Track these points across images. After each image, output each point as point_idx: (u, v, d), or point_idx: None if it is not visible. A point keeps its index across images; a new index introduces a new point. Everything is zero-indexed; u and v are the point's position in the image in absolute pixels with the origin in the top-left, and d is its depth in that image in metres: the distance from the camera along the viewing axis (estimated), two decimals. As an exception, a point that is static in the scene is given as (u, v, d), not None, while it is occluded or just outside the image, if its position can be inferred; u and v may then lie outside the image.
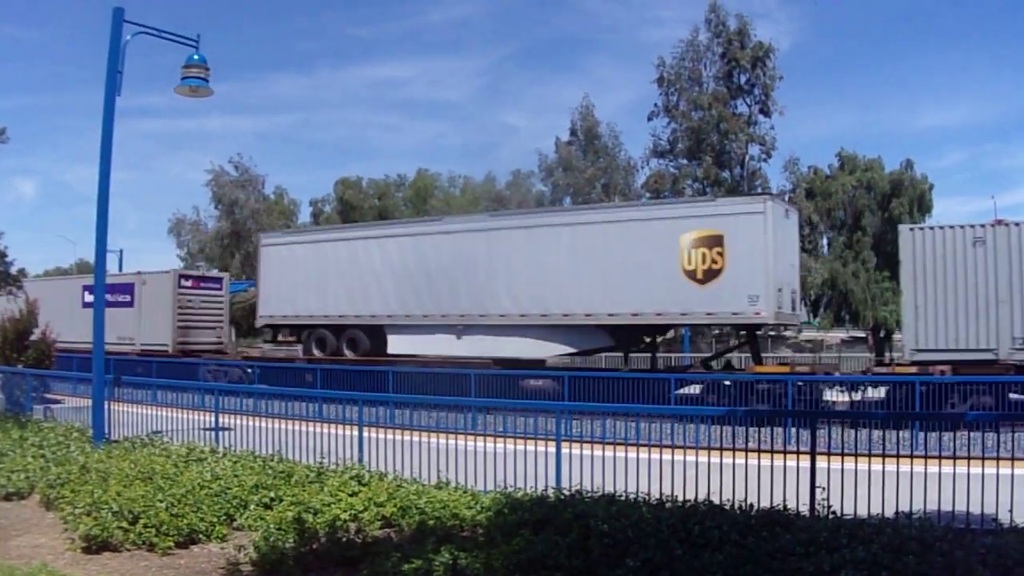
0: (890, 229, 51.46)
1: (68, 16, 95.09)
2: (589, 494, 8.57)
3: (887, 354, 39.45)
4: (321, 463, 10.49)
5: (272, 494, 9.19)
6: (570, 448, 10.28)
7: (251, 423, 12.62)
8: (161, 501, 8.56)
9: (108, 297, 26.62)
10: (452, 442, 10.53)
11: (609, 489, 8.77)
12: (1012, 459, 8.55)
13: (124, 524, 8.13)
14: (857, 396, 19.19)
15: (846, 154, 51.48)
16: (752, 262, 20.06)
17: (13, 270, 28.02)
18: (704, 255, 20.61)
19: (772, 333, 37.87)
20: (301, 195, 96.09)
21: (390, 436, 11.12)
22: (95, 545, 7.92)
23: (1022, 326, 18.62)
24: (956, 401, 17.06)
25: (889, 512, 7.60)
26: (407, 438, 10.93)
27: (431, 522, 8.26)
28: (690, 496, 8.15)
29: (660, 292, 21.06)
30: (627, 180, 48.65)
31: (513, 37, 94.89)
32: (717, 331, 40.73)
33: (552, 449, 10.00)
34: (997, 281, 18.84)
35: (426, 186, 63.16)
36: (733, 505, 7.87)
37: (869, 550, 6.28)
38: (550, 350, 23.26)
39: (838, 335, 57.79)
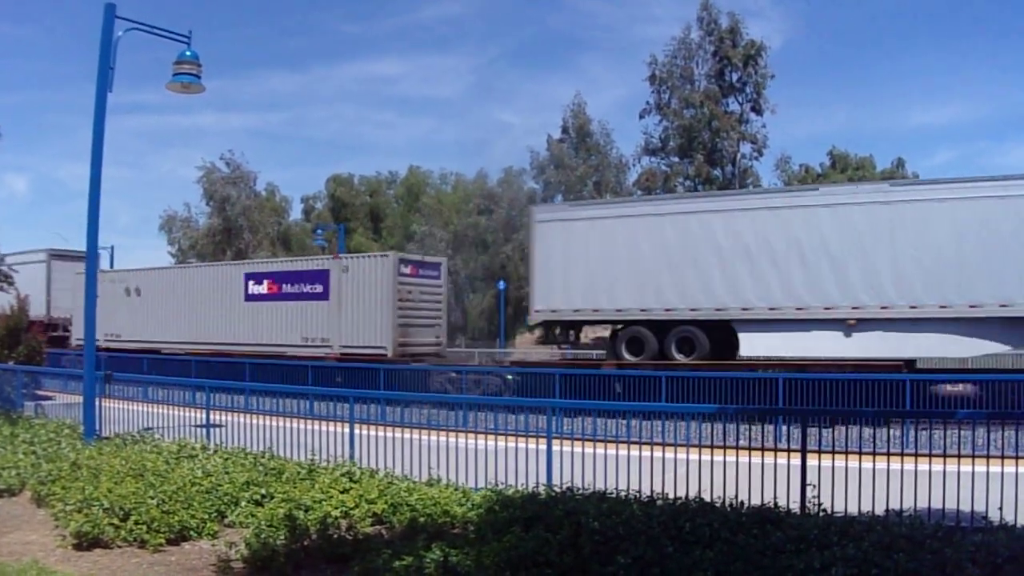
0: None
1: (60, 13, 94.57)
2: (580, 491, 8.58)
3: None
4: (312, 460, 10.48)
5: (263, 491, 9.18)
6: (561, 445, 10.30)
7: (242, 420, 12.61)
8: (152, 498, 8.54)
9: (289, 288, 26.11)
10: (443, 439, 10.54)
11: (600, 486, 8.79)
12: (1002, 457, 8.57)
13: (115, 521, 8.11)
14: None
15: (837, 152, 51.78)
16: None
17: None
18: None
19: None
20: (293, 192, 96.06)
21: (381, 433, 11.11)
22: (86, 542, 7.89)
23: None
24: None
25: (880, 510, 7.63)
26: (399, 435, 10.92)
27: (422, 519, 8.26)
28: (681, 493, 8.16)
29: None
30: (619, 178, 48.81)
31: (505, 34, 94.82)
32: None
33: (543, 447, 10.01)
34: None
35: (418, 183, 63.26)
36: (724, 502, 7.89)
37: (859, 548, 6.29)
38: (977, 348, 19.06)
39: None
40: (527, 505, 8.02)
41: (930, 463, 7.96)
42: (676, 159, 45.02)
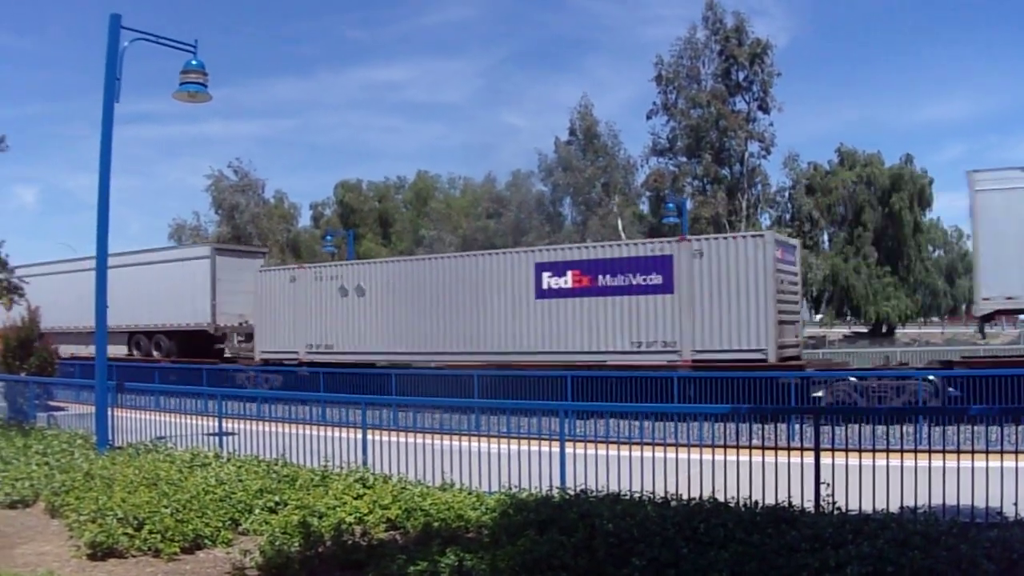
0: (890, 224, 51.75)
1: (66, 23, 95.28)
2: (594, 494, 8.57)
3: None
4: (325, 466, 10.49)
5: (277, 498, 9.18)
6: (574, 448, 10.29)
7: (254, 427, 12.62)
8: (166, 507, 8.55)
9: (609, 280, 21.30)
10: (456, 443, 10.53)
11: (614, 488, 8.78)
12: (1016, 452, 8.53)
13: (129, 530, 8.12)
14: None
15: (845, 149, 51.66)
16: None
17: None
18: None
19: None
20: (301, 199, 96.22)
21: (394, 439, 11.11)
22: (100, 552, 7.91)
23: None
24: None
25: (894, 507, 7.60)
26: (411, 440, 10.92)
27: (436, 524, 8.27)
28: (695, 494, 8.15)
29: None
30: (627, 179, 48.75)
31: (511, 38, 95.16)
32: None
33: (556, 449, 10.00)
34: None
35: (426, 188, 63.35)
36: (738, 502, 7.87)
37: (874, 545, 6.28)
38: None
39: (840, 331, 57.83)
40: (541, 508, 8.02)
41: (944, 459, 7.92)
42: (684, 159, 44.97)
